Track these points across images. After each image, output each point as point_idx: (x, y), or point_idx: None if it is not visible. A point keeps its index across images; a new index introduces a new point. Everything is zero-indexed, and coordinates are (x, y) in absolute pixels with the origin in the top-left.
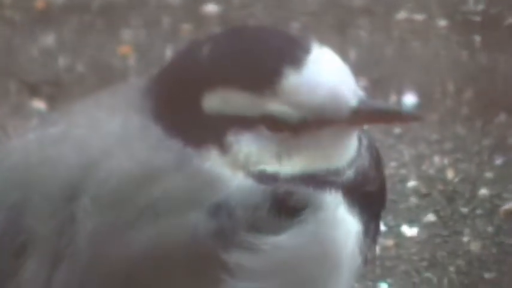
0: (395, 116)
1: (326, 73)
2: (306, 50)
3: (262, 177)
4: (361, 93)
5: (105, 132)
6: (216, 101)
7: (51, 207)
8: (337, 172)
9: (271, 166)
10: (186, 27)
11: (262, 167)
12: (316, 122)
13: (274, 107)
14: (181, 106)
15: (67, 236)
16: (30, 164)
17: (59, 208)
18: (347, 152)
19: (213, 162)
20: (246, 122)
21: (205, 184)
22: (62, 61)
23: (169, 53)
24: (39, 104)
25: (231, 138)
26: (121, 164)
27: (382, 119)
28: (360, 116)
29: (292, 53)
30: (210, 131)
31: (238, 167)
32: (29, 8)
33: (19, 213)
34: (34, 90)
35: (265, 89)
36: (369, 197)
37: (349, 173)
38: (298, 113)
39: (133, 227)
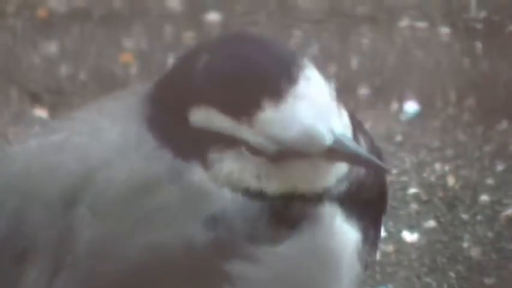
0: (366, 163)
1: (304, 110)
2: (292, 81)
3: (248, 194)
4: (339, 129)
5: (104, 141)
6: (201, 116)
7: (51, 215)
8: (323, 192)
9: (252, 184)
10: (188, 35)
11: (245, 185)
12: (291, 155)
13: (250, 136)
14: (172, 117)
15: (66, 245)
16: (31, 172)
17: (59, 216)
18: (332, 174)
19: (198, 176)
20: (228, 141)
21: (200, 196)
22: (63, 69)
23: (171, 61)
24: (40, 112)
25: (213, 155)
26: (118, 174)
27: (354, 162)
28: (332, 156)
29: (276, 84)
30: (195, 145)
31: (222, 183)
32: (31, 16)
33: (20, 220)
34: (36, 98)
35: (243, 118)
36: (367, 204)
37: (341, 187)
38: (273, 145)
39: (130, 238)
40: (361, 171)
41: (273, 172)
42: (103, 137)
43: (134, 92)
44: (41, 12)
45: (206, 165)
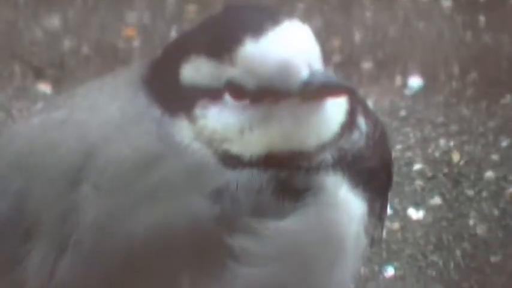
0: (340, 89)
1: (283, 45)
2: (272, 22)
3: (227, 158)
4: (320, 68)
5: (105, 117)
6: (190, 70)
7: (54, 194)
8: (301, 154)
9: (235, 145)
10: (191, 9)
11: (226, 145)
12: (270, 93)
13: (233, 72)
14: (166, 79)
15: (70, 223)
16: (34, 150)
17: (62, 194)
18: (312, 134)
19: (183, 133)
20: (212, 94)
21: (203, 169)
22: (66, 43)
23: (174, 34)
24: (43, 87)
25: (198, 110)
26: (119, 151)
27: (328, 93)
28: (309, 90)
29: (256, 24)
30: (183, 102)
31: (205, 141)
32: None
33: (23, 199)
34: (39, 73)
35: (225, 55)
36: (371, 175)
37: (326, 156)
38: (253, 81)
39: (134, 213)
40: (359, 142)
41: (254, 121)
42: (103, 113)
43: (134, 69)
44: None
45: (191, 121)
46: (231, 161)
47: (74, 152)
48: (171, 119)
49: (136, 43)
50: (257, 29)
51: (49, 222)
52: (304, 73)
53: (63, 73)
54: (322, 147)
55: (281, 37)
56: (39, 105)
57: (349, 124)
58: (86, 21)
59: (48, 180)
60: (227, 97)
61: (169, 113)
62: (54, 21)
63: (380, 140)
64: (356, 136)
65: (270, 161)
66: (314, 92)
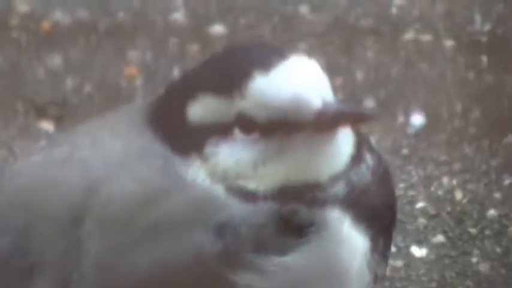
0: (357, 117)
1: (293, 77)
2: (279, 57)
3: (243, 194)
4: (331, 99)
5: (107, 154)
6: (198, 109)
7: (57, 230)
8: (316, 186)
9: (249, 181)
10: (193, 48)
11: (241, 182)
12: (282, 125)
13: (243, 106)
14: (172, 119)
15: (73, 259)
16: (35, 187)
17: (64, 231)
18: (326, 165)
19: (196, 173)
20: (222, 130)
21: (206, 204)
22: (69, 82)
23: (176, 73)
24: (46, 125)
25: (209, 149)
26: (123, 186)
27: (345, 121)
28: (323, 120)
29: (263, 59)
30: (193, 141)
31: (218, 179)
32: (36, 29)
33: (26, 236)
34: (41, 111)
35: (234, 90)
36: (375, 212)
37: (338, 188)
38: (264, 114)
39: (137, 249)
40: (364, 179)
41: (267, 154)
42: (107, 150)
43: (136, 107)
44: (46, 25)
45: (203, 160)
46: (246, 196)
47: (76, 189)
48: (180, 158)
49: (138, 82)
50: (266, 63)
51: (52, 258)
52: (317, 104)
53: (66, 112)
54: (335, 178)
55: (291, 70)
56: (42, 143)
57: (357, 157)
58: (89, 60)
59: (50, 218)
60: (237, 131)
61: (178, 152)
62: (57, 60)
63: (384, 177)
64: (363, 169)
65: (285, 194)
66: (329, 122)
